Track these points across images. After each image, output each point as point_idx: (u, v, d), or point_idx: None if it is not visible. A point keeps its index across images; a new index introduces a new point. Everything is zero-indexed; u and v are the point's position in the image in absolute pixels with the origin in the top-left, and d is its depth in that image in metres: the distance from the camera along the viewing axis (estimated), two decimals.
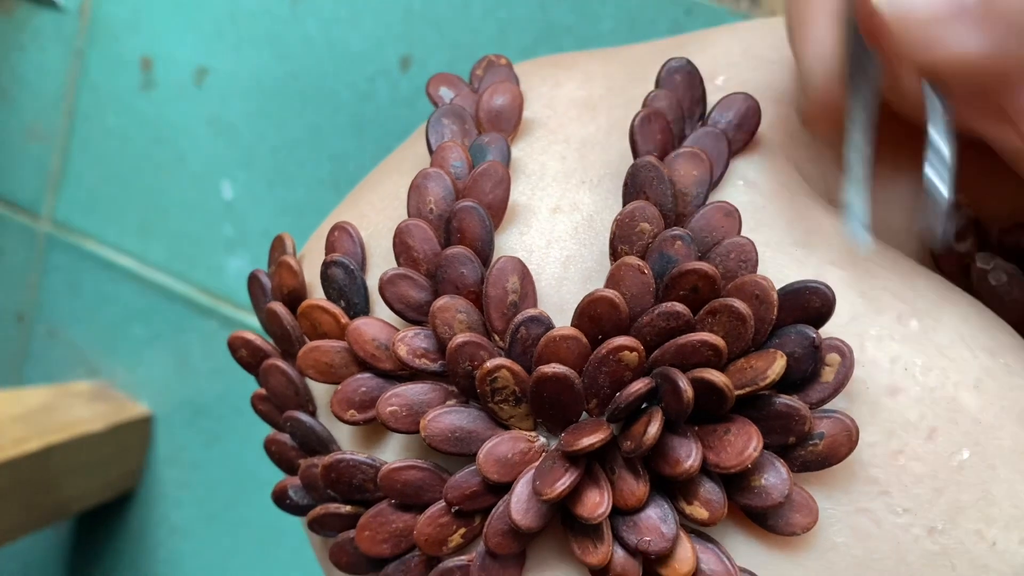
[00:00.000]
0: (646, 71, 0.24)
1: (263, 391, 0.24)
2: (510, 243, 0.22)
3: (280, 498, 0.24)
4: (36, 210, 0.62)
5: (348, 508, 0.22)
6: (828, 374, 0.19)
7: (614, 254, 0.20)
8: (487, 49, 0.47)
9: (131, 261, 0.60)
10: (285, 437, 0.23)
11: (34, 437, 0.52)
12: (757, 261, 0.20)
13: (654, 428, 0.18)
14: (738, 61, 0.24)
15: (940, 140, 0.19)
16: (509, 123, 0.23)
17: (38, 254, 0.63)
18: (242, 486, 0.59)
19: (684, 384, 0.18)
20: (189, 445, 0.60)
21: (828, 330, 0.19)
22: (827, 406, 0.19)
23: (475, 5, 0.48)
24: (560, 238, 0.21)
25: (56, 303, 0.63)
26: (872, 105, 0.20)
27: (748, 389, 0.18)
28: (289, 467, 0.24)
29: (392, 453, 0.22)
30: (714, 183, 0.21)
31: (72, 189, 0.61)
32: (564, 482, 0.18)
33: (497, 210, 0.21)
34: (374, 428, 0.22)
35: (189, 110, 0.57)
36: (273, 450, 0.24)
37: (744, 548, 0.19)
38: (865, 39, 0.19)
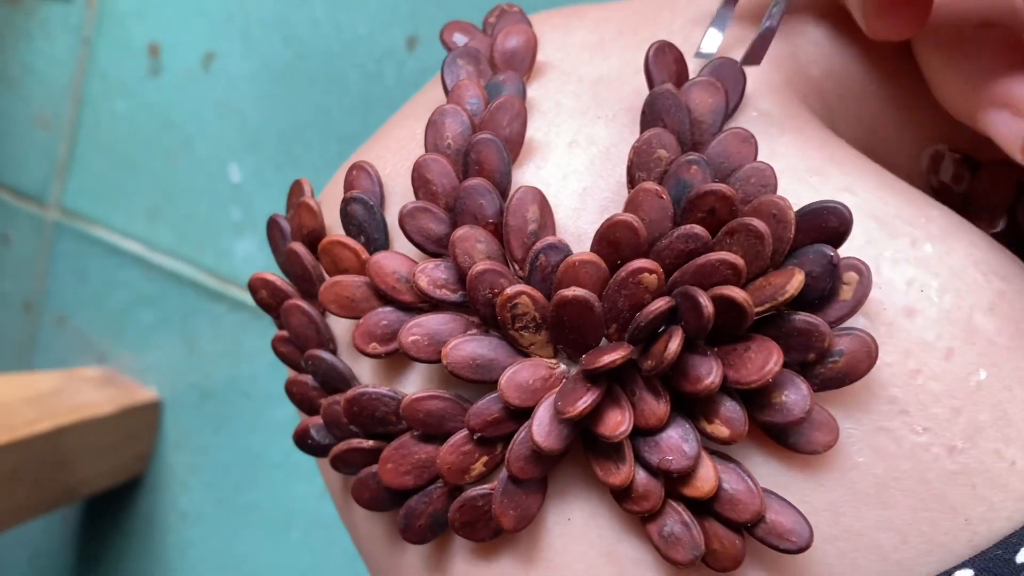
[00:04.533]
0: (658, 14, 0.25)
1: (284, 333, 0.24)
2: (527, 177, 0.22)
3: (302, 439, 0.24)
4: (43, 198, 0.62)
5: (371, 443, 0.22)
6: (846, 292, 0.19)
7: (631, 181, 0.20)
8: None
9: (139, 247, 0.60)
10: (306, 378, 0.24)
11: (45, 418, 0.52)
12: (776, 185, 0.20)
13: (675, 344, 0.18)
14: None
15: None
16: (523, 63, 0.23)
17: (45, 242, 0.63)
18: (251, 470, 0.59)
19: (704, 300, 0.18)
20: (198, 429, 0.60)
21: (843, 251, 0.19)
22: (845, 325, 0.19)
23: None
24: (577, 170, 0.22)
25: (64, 290, 0.64)
26: None
27: (767, 305, 0.18)
28: (310, 408, 0.24)
29: (413, 385, 0.22)
30: (729, 113, 0.21)
31: (79, 176, 0.61)
32: (586, 400, 0.19)
33: (514, 144, 0.22)
34: (395, 362, 0.22)
35: (197, 95, 0.57)
36: (294, 391, 0.24)
37: (765, 468, 0.19)
38: None
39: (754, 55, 0.22)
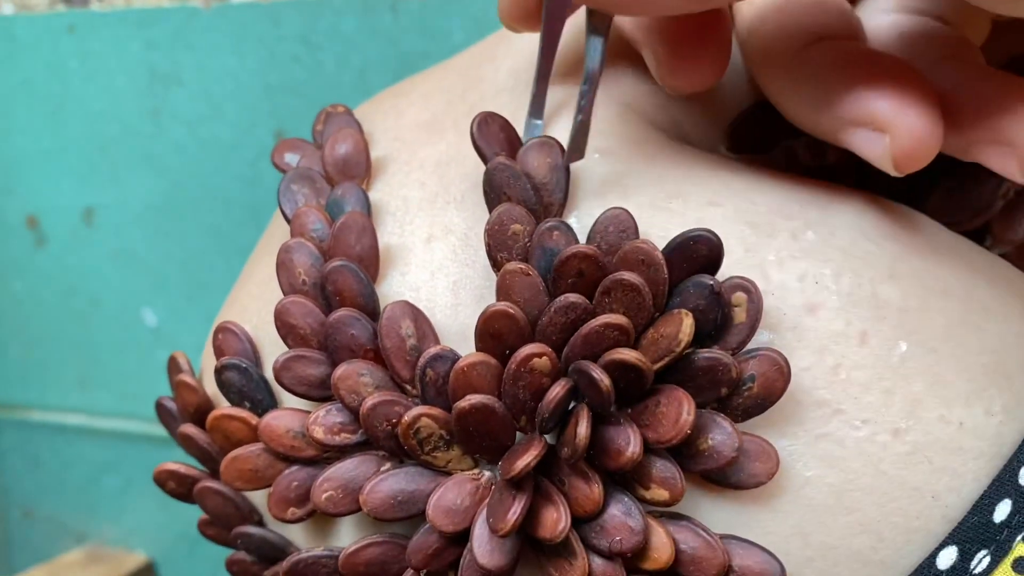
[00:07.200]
0: (480, 73, 0.24)
1: (206, 516, 0.23)
2: (394, 287, 0.21)
3: None
4: None
5: None
6: (739, 314, 0.18)
7: (495, 264, 0.19)
8: (352, 98, 0.46)
9: (82, 418, 0.58)
10: (243, 554, 0.22)
11: None
12: (636, 228, 0.19)
13: (583, 428, 0.17)
14: (569, 29, 0.23)
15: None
16: (359, 168, 0.22)
17: None
18: None
19: (598, 374, 0.17)
20: None
21: (726, 268, 0.18)
22: (750, 345, 0.18)
23: (327, 60, 0.47)
24: (442, 265, 0.21)
25: (21, 483, 0.62)
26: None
27: (666, 359, 0.18)
28: None
29: (348, 536, 0.21)
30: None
31: (1, 367, 0.59)
32: (515, 511, 0.18)
33: (369, 260, 0.21)
34: (323, 516, 0.21)
35: (89, 252, 0.55)
36: (236, 571, 0.23)
37: (718, 514, 0.18)
38: None
39: (576, 151, 0.20)
